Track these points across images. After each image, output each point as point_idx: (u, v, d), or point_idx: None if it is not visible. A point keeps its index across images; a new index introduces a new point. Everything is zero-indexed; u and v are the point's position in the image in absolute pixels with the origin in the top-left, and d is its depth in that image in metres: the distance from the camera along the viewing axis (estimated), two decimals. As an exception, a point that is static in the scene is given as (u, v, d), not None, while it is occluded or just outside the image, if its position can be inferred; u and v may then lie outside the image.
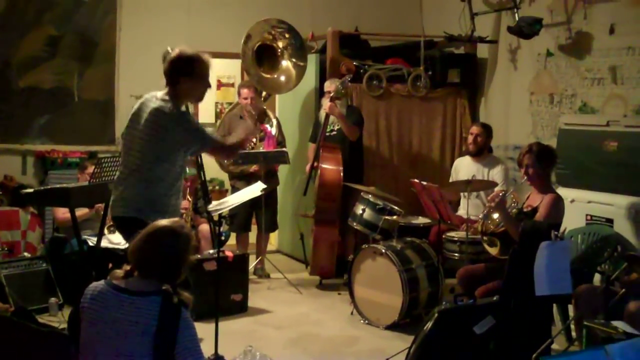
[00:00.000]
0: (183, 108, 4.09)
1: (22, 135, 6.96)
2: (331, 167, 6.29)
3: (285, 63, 6.68)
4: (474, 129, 6.11)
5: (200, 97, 4.10)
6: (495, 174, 5.87)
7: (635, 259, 3.97)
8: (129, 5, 7.23)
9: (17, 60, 6.92)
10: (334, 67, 6.87)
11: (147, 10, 7.26)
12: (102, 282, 2.82)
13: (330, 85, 6.42)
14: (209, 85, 4.07)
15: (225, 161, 6.56)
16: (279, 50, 6.66)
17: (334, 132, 6.48)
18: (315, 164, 6.35)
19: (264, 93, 6.90)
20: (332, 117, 6.40)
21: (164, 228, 2.86)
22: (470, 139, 6.08)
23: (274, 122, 6.69)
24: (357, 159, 6.59)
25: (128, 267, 2.83)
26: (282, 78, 6.68)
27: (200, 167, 6.10)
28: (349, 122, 6.39)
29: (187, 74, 3.93)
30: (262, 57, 6.64)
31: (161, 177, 3.93)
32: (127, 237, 4.02)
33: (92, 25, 7.15)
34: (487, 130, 6.09)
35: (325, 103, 6.36)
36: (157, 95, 3.97)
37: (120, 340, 2.67)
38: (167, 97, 3.94)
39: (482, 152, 6.05)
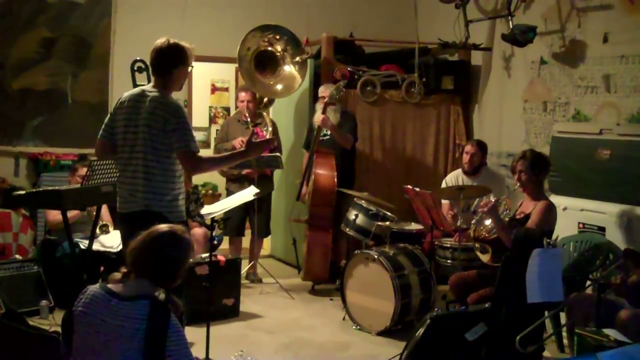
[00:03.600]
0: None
1: (15, 137, 6.94)
2: (325, 173, 6.29)
3: (288, 68, 6.71)
4: (469, 148, 6.01)
5: (182, 85, 4.13)
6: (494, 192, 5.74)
7: (632, 254, 3.97)
8: (124, 9, 7.24)
9: (11, 61, 6.91)
10: (328, 73, 6.88)
11: (142, 14, 7.25)
12: (97, 285, 2.82)
13: (324, 91, 6.43)
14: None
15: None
16: (279, 54, 6.69)
17: (327, 137, 6.48)
18: (308, 171, 6.37)
19: (265, 99, 6.93)
20: None
21: (165, 231, 2.87)
22: (466, 158, 5.98)
23: (269, 127, 6.71)
24: (348, 164, 6.59)
25: (125, 270, 2.83)
26: (284, 84, 6.71)
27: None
28: (343, 131, 6.39)
29: (182, 63, 3.95)
30: (262, 62, 6.66)
31: (174, 172, 3.92)
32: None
33: (86, 27, 7.14)
34: (482, 148, 6.01)
35: (318, 115, 6.35)
36: (147, 89, 3.97)
37: (111, 345, 2.67)
38: (158, 89, 3.93)
39: (478, 170, 6.01)
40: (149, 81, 4.42)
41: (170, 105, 3.87)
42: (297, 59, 6.68)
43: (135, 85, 4.54)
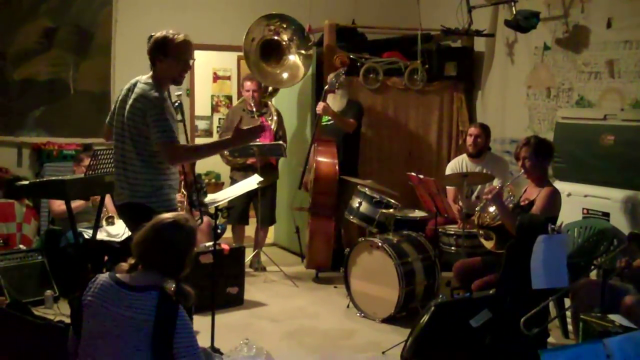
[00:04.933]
0: (174, 97, 4.19)
1: (17, 127, 6.94)
2: (326, 161, 6.28)
3: (293, 57, 6.69)
4: (473, 130, 6.00)
5: (177, 79, 4.00)
6: (498, 176, 5.77)
7: (637, 237, 3.96)
8: (125, -2, 7.22)
9: (12, 52, 6.90)
10: (331, 60, 6.86)
11: (143, 3, 7.23)
12: (106, 274, 2.82)
13: (330, 76, 6.40)
14: (187, 67, 3.99)
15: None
16: (285, 43, 6.67)
17: (330, 121, 6.46)
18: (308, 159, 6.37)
19: (270, 88, 6.92)
20: None
21: (168, 221, 2.85)
22: (470, 140, 5.98)
23: (275, 116, 6.71)
24: (352, 152, 6.57)
25: (133, 261, 2.83)
26: (289, 73, 6.71)
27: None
28: (347, 116, 6.38)
29: (162, 55, 3.89)
30: (267, 51, 6.65)
31: (157, 163, 3.89)
32: (133, 225, 3.98)
33: (88, 17, 7.12)
34: (486, 130, 6.01)
35: (319, 104, 6.33)
36: (141, 79, 3.96)
37: (120, 335, 2.67)
38: (150, 80, 3.92)
39: (482, 152, 6.01)
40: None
41: (148, 98, 3.83)
42: (303, 51, 6.66)
43: None
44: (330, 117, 6.42)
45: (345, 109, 6.42)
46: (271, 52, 6.67)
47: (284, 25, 6.65)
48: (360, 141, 6.75)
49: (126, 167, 3.92)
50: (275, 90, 7.07)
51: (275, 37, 6.66)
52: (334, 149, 6.31)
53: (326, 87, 6.31)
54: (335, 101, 6.35)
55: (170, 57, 3.89)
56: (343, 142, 6.43)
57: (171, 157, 3.86)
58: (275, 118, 6.69)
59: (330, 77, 6.33)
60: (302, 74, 6.72)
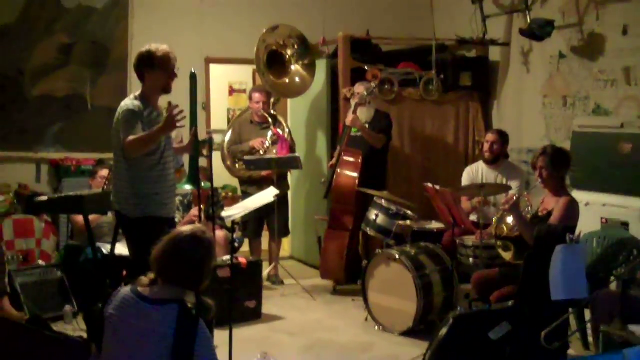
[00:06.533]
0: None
1: (35, 143, 7.01)
2: (347, 173, 6.26)
3: (295, 67, 6.74)
4: (490, 137, 6.03)
5: (165, 88, 4.25)
6: (514, 184, 5.77)
7: None
8: (141, 13, 7.28)
9: (30, 68, 6.98)
10: (345, 72, 6.86)
11: (159, 18, 7.29)
12: (128, 288, 2.84)
13: (358, 87, 6.38)
14: (173, 75, 4.22)
15: (237, 166, 6.64)
16: (287, 57, 6.71)
17: (359, 133, 6.40)
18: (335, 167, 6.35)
19: (272, 99, 6.94)
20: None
21: (186, 234, 2.87)
22: (486, 146, 6.00)
23: (285, 127, 6.72)
24: (378, 165, 6.47)
25: (152, 275, 2.85)
26: (297, 80, 6.76)
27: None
28: (375, 128, 6.35)
29: (148, 66, 4.18)
30: (270, 62, 6.68)
31: (123, 169, 4.17)
32: (122, 230, 4.43)
33: (104, 33, 7.19)
34: (503, 137, 6.02)
35: (349, 115, 6.32)
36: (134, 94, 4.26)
37: (140, 349, 2.69)
38: (137, 94, 4.22)
39: (499, 159, 6.00)
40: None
41: (122, 107, 4.15)
42: (302, 61, 6.73)
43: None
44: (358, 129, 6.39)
45: (373, 120, 6.38)
46: (274, 63, 6.70)
47: (296, 46, 6.70)
48: (389, 154, 6.65)
49: (112, 175, 4.34)
50: (277, 101, 7.09)
51: (282, 51, 6.71)
52: (359, 162, 6.25)
53: (357, 100, 6.28)
54: (362, 112, 6.32)
55: (157, 68, 4.17)
56: (370, 154, 6.33)
57: (126, 150, 4.08)
58: (287, 130, 6.71)
59: (361, 89, 6.30)
60: (308, 83, 6.74)
